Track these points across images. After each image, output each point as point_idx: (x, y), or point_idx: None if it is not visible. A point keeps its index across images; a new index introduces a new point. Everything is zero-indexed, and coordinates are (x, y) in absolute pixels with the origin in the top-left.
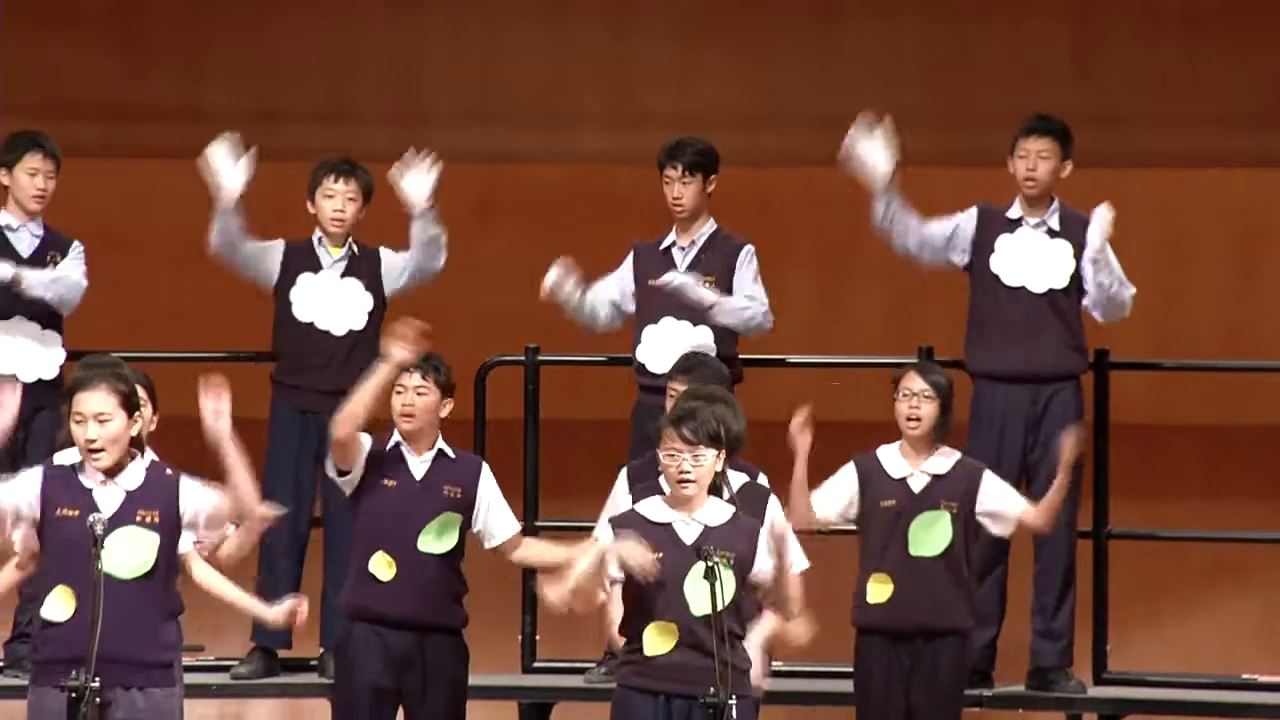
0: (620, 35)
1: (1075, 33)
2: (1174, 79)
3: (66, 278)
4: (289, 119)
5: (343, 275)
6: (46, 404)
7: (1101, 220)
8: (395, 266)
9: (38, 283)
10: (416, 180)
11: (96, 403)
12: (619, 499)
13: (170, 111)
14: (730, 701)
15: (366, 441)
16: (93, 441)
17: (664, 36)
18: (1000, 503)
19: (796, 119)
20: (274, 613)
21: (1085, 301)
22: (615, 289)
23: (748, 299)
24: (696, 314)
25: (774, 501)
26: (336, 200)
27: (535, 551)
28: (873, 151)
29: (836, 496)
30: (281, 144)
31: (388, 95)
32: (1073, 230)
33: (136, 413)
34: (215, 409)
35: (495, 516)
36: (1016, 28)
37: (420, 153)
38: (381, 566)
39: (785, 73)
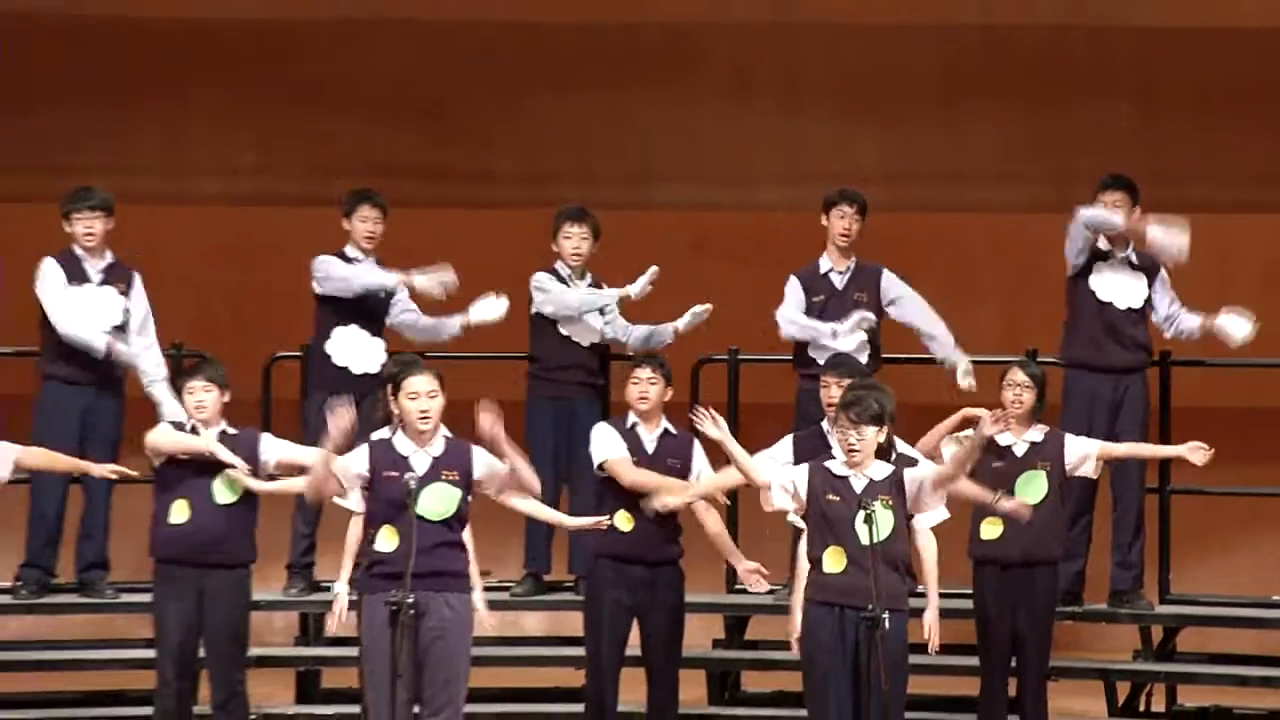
0: (791, 112)
1: (1141, 109)
2: (1219, 143)
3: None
4: (553, 179)
5: None
6: (371, 391)
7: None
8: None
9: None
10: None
11: (428, 383)
12: (779, 451)
13: (465, 173)
14: (884, 615)
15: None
16: (425, 412)
17: (825, 113)
18: (1081, 450)
19: (927, 175)
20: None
21: (1154, 319)
22: (794, 305)
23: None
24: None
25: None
26: (574, 240)
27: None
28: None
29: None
30: (548, 197)
31: (621, 159)
32: (1145, 265)
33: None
34: (493, 422)
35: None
36: (1095, 104)
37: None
38: (623, 520)
39: (918, 139)
